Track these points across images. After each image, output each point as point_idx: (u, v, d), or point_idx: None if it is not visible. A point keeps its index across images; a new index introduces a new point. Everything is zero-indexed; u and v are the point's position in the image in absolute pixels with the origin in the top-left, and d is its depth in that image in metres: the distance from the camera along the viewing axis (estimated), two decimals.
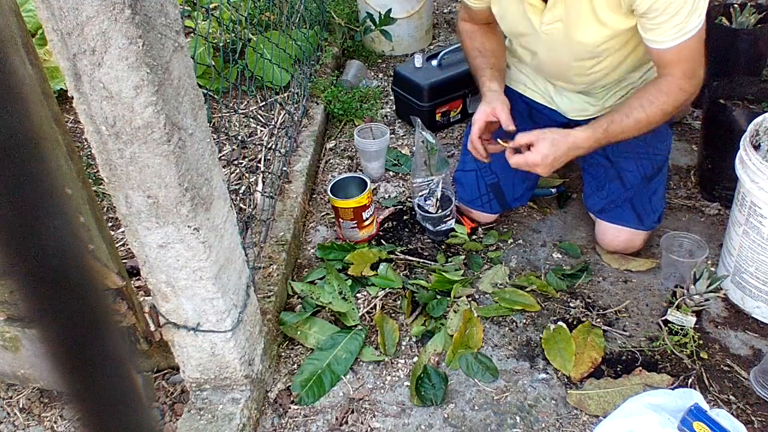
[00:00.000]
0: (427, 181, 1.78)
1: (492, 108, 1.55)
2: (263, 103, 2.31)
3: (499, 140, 1.53)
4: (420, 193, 1.79)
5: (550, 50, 1.53)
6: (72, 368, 0.24)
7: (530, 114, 1.78)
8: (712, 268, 1.41)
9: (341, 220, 1.75)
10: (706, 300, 1.41)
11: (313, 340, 1.49)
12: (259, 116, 2.26)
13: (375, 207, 1.82)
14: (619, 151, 1.64)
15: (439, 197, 1.76)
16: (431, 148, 1.76)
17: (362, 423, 1.33)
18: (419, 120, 1.79)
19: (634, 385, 1.34)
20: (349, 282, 1.63)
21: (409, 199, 1.94)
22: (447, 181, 1.78)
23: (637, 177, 1.63)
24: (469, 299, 1.58)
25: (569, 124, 1.76)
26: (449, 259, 1.72)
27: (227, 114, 2.23)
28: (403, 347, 1.49)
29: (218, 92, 1.96)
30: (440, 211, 1.74)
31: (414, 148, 2.04)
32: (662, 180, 1.66)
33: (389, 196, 1.98)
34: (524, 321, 1.53)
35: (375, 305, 1.59)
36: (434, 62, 2.24)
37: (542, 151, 1.43)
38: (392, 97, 2.41)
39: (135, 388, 0.26)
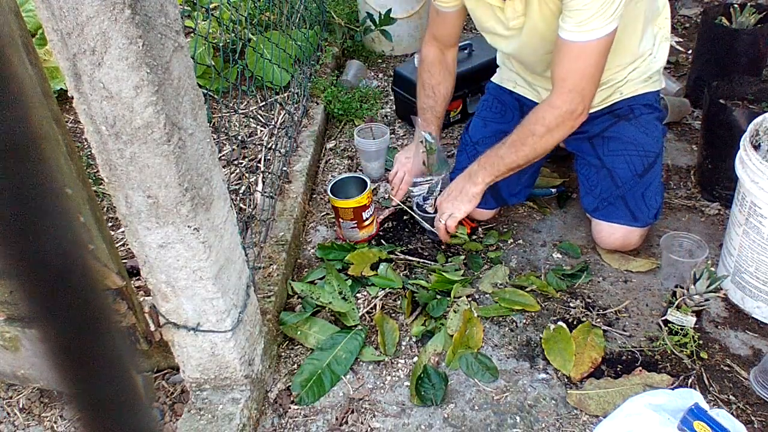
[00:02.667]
0: (427, 181, 1.77)
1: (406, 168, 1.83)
2: (263, 103, 2.31)
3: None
4: (419, 193, 1.79)
5: (522, 45, 1.60)
6: (72, 368, 0.24)
7: (521, 110, 1.81)
8: (712, 268, 1.40)
9: (341, 220, 1.75)
10: (706, 300, 1.41)
11: (313, 340, 1.49)
12: (259, 116, 2.26)
13: (375, 207, 1.82)
14: (609, 150, 1.66)
15: (438, 197, 1.76)
16: (431, 148, 1.76)
17: (362, 423, 1.33)
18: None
19: (634, 385, 1.34)
20: (349, 282, 1.63)
21: (409, 200, 1.94)
22: (447, 181, 1.78)
23: (628, 174, 1.63)
24: (469, 299, 1.58)
25: None
26: (449, 259, 1.72)
27: (227, 114, 2.23)
28: (403, 347, 1.49)
29: (218, 92, 1.96)
30: None
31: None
32: (655, 176, 1.65)
33: (389, 196, 1.98)
34: (524, 321, 1.53)
35: (375, 305, 1.59)
36: None
37: (444, 208, 1.66)
38: (392, 97, 2.41)
39: (135, 388, 0.26)
